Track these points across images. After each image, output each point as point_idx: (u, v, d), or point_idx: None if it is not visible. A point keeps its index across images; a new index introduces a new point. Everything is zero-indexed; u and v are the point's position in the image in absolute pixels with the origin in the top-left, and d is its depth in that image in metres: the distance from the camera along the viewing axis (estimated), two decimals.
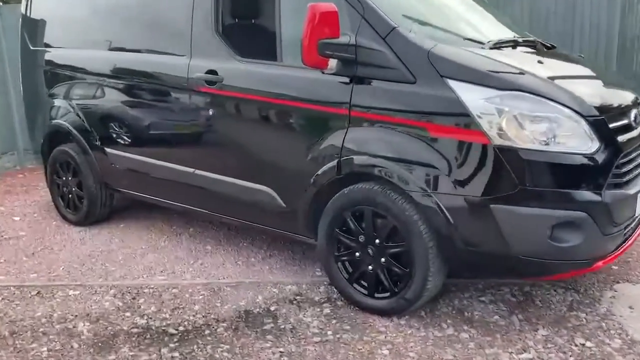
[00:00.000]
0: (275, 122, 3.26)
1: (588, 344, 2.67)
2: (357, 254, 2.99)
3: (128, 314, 3.12)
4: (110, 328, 2.98)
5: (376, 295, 2.98)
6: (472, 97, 2.57)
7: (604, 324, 2.85)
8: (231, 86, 3.35)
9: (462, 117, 2.59)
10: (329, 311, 3.07)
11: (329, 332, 2.86)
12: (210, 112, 3.48)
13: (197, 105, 3.55)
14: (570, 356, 2.59)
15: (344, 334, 2.85)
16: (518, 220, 2.54)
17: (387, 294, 2.93)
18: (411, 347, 2.70)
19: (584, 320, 2.90)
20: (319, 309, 3.09)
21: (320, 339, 2.80)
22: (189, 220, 4.48)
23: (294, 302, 3.19)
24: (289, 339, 2.82)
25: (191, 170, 3.67)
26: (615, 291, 3.19)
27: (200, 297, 3.29)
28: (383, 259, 2.89)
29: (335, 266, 3.10)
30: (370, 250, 2.93)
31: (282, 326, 2.94)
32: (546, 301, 3.10)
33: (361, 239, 2.95)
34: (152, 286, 3.44)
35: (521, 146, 2.49)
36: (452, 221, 2.64)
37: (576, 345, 2.67)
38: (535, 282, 3.22)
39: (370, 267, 2.95)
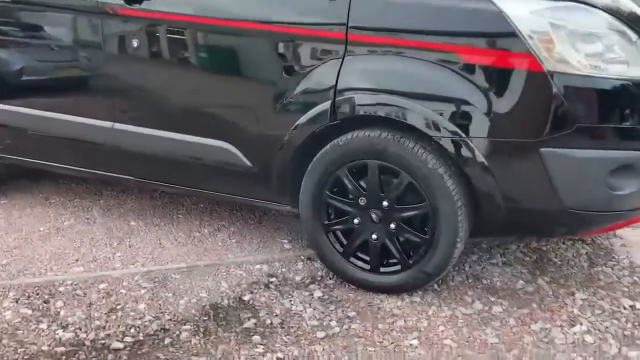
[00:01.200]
0: (237, 54, 2.45)
1: (638, 304, 2.31)
2: (356, 220, 2.35)
3: (44, 325, 2.23)
4: (21, 350, 2.09)
5: (382, 270, 2.38)
6: (517, 9, 1.99)
7: (636, 278, 2.51)
8: (166, 3, 2.47)
9: (505, 36, 2.00)
10: (320, 294, 2.42)
11: (333, 323, 2.22)
12: (135, 44, 2.57)
13: (113, 33, 2.61)
14: (627, 322, 2.20)
15: (351, 323, 2.22)
16: (573, 166, 2.04)
17: (398, 268, 2.34)
18: (442, 332, 2.16)
19: (614, 276, 2.54)
20: (307, 293, 2.43)
21: (325, 334, 2.16)
22: (98, 189, 3.52)
23: (271, 286, 2.49)
24: (284, 337, 2.14)
25: (109, 124, 2.75)
26: (621, 238, 2.89)
27: (143, 291, 2.46)
28: (393, 225, 2.28)
29: (325, 238, 2.44)
30: (374, 215, 2.30)
31: (268, 321, 2.24)
32: (562, 257, 2.71)
33: (362, 201, 2.31)
34: (68, 282, 2.53)
35: (581, 72, 1.98)
36: (491, 172, 2.08)
37: (625, 309, 2.29)
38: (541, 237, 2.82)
39: (374, 236, 2.33)
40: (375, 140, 2.21)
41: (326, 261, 2.48)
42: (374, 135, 2.21)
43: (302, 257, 2.73)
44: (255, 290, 2.46)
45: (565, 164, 2.04)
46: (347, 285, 2.47)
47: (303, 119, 2.31)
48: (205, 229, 3.03)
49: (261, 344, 2.10)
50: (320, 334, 2.15)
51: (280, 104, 2.36)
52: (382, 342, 2.11)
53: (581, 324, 2.17)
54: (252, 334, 2.16)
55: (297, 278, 2.56)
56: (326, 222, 2.43)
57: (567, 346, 2.06)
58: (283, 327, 2.20)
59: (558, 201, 2.08)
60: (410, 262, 2.31)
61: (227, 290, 2.46)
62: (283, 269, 2.63)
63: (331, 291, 2.44)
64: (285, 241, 2.90)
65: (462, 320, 2.22)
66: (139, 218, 3.16)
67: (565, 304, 2.32)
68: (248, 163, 2.51)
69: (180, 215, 3.20)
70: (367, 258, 2.41)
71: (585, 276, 2.54)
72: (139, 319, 2.26)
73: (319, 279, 2.54)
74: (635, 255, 2.72)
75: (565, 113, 2.00)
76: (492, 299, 2.37)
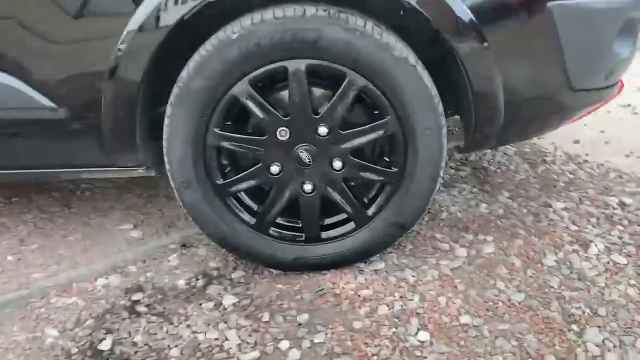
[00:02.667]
0: None
1: (627, 200, 1.87)
2: (274, 168, 1.42)
3: None
4: None
5: (324, 235, 1.51)
6: None
7: (593, 171, 2.09)
8: None
9: None
10: (234, 299, 1.46)
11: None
12: None
13: None
14: (629, 224, 1.74)
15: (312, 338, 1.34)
16: (584, 24, 1.41)
17: (350, 227, 1.50)
18: (449, 305, 1.42)
19: (567, 173, 2.09)
20: (210, 304, 1.45)
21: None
22: None
23: (140, 308, 1.44)
24: None
25: None
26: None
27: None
28: (338, 163, 1.41)
29: (224, 207, 1.46)
30: (304, 154, 1.40)
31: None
32: (496, 164, 2.17)
33: (282, 134, 1.38)
34: None
35: None
36: (489, 49, 1.34)
37: (615, 208, 1.83)
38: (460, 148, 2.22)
39: (307, 187, 1.44)
40: (298, 24, 1.27)
41: (229, 243, 1.51)
42: (295, 14, 1.27)
43: (174, 245, 1.70)
44: (174, 303, 1.40)
45: (576, 22, 1.39)
46: (265, 274, 1.55)
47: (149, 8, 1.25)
48: (31, 231, 1.76)
49: None
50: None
51: None
52: (386, 334, 1.29)
53: (592, 242, 1.63)
54: None
55: (180, 282, 1.54)
56: (221, 182, 1.44)
57: (604, 274, 1.51)
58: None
59: (564, 78, 1.45)
60: (369, 213, 1.48)
61: (119, 306, 1.35)
62: (149, 274, 1.58)
63: (247, 290, 1.50)
64: (130, 227, 1.81)
65: (458, 280, 1.51)
66: None
67: (552, 220, 1.76)
68: (52, 104, 1.35)
69: None
70: (296, 224, 1.52)
71: (540, 180, 2.04)
72: None
73: (215, 274, 1.57)
74: (565, 147, 2.31)
75: None
76: (470, 237, 1.69)
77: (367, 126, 1.39)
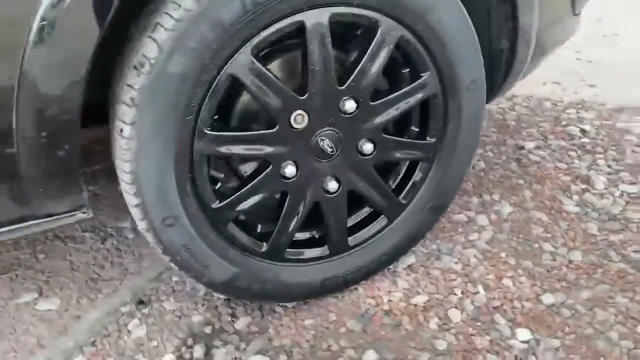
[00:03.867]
0: None
1: (584, 127, 1.80)
2: (289, 169, 1.01)
3: None
4: None
5: (351, 241, 1.15)
6: None
7: (528, 104, 2.01)
8: None
9: None
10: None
11: None
12: None
13: None
14: (605, 150, 1.68)
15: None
16: None
17: (383, 223, 1.16)
18: (505, 275, 1.18)
19: (513, 112, 1.97)
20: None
21: None
22: None
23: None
24: None
25: None
26: None
27: None
28: (369, 145, 1.05)
29: (223, 239, 1.01)
30: (325, 142, 1.01)
31: None
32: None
33: (298, 120, 0.97)
34: None
35: None
36: None
37: (580, 137, 1.75)
38: None
39: (332, 185, 1.06)
40: None
41: (237, 286, 1.06)
42: None
43: (126, 307, 1.18)
44: None
45: None
46: (277, 312, 1.15)
47: None
48: None
49: None
50: None
51: None
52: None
53: (591, 177, 1.53)
54: None
55: (170, 346, 1.06)
56: (217, 205, 0.98)
57: (629, 208, 1.42)
58: None
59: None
60: (403, 201, 1.16)
61: None
62: (111, 329, 1.07)
63: (270, 341, 1.09)
64: (34, 296, 1.23)
65: (503, 254, 1.28)
66: None
67: (537, 163, 1.63)
68: None
69: None
70: (314, 236, 1.13)
71: (491, 122, 1.89)
72: None
73: (211, 332, 1.12)
74: None
75: None
76: (476, 199, 1.47)
77: (401, 91, 1.05)
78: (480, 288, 1.19)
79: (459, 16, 1.02)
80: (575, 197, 1.46)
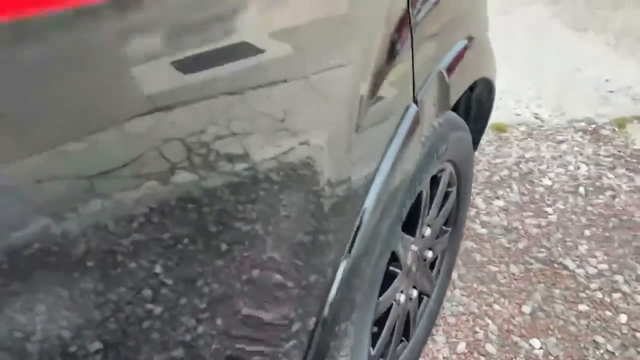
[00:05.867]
0: None
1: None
2: (402, 294, 1.22)
3: None
4: None
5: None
6: None
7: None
8: None
9: None
10: None
11: None
12: None
13: None
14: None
15: None
16: None
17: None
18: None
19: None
20: None
21: None
22: None
23: None
24: None
25: None
26: None
27: None
28: (430, 252, 1.33)
29: None
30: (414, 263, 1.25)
31: None
32: None
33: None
34: None
35: None
36: None
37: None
38: None
39: (414, 293, 1.30)
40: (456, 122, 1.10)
41: None
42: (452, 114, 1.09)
43: None
44: None
45: None
46: None
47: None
48: None
49: None
50: None
51: None
52: None
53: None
54: None
55: None
56: (374, 353, 1.13)
57: None
58: None
59: None
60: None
61: None
62: None
63: None
64: None
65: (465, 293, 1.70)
66: None
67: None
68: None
69: None
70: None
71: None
72: None
73: None
74: None
75: None
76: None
77: (444, 207, 1.33)
78: (486, 319, 1.59)
79: (469, 142, 1.34)
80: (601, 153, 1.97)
